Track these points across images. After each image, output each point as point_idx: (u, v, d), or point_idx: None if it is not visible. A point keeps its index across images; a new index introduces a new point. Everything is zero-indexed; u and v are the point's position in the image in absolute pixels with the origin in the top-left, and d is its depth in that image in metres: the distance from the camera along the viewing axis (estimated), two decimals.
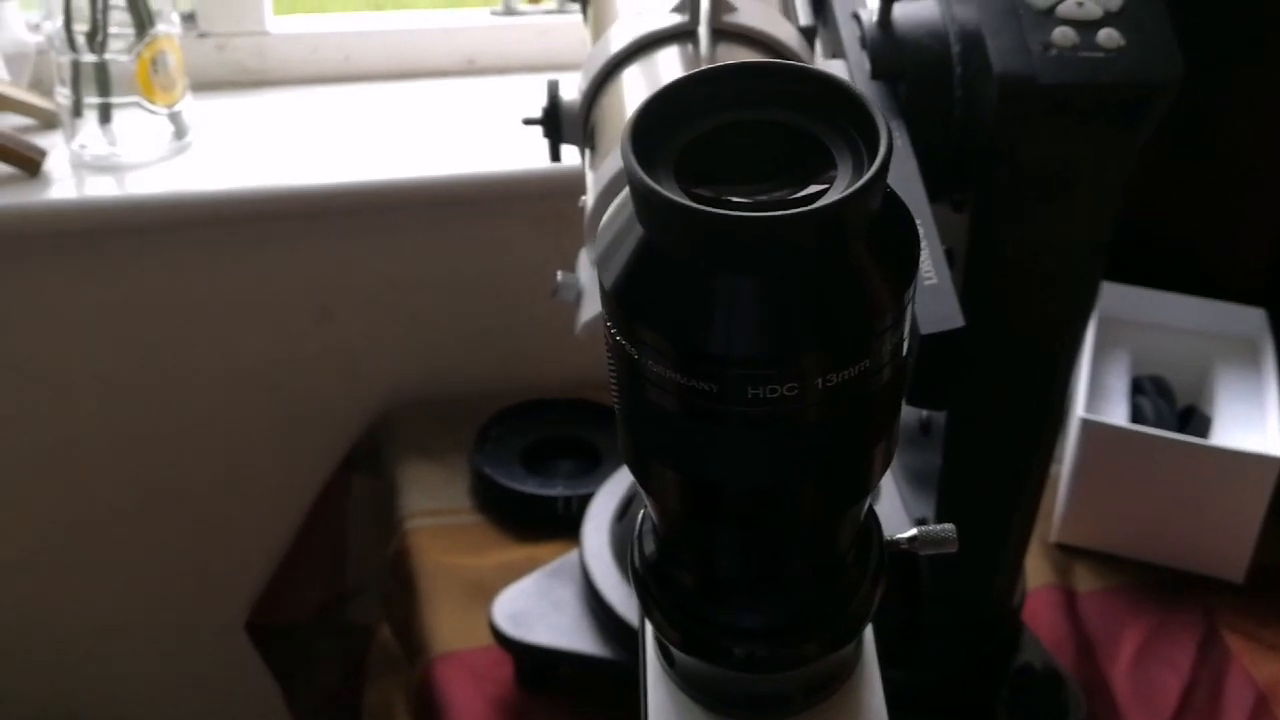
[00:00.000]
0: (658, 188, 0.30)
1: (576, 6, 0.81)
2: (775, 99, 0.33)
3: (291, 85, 1.29)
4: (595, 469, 1.13)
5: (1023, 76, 0.65)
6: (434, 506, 1.12)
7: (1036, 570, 1.04)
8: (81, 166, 1.13)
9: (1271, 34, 1.13)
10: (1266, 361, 1.12)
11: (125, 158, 1.14)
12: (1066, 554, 1.08)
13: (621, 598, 0.90)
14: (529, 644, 0.92)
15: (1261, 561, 1.04)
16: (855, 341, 0.31)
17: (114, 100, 1.12)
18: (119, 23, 1.10)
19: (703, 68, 0.34)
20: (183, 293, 1.19)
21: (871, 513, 0.41)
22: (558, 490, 1.10)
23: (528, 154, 1.01)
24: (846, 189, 0.30)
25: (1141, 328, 1.17)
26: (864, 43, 0.70)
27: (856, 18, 0.71)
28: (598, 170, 0.63)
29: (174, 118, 1.15)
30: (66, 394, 1.21)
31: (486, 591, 0.96)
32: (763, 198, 0.32)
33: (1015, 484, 0.82)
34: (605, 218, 0.34)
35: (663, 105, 0.33)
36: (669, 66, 0.64)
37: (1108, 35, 0.66)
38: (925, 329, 0.57)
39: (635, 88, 0.64)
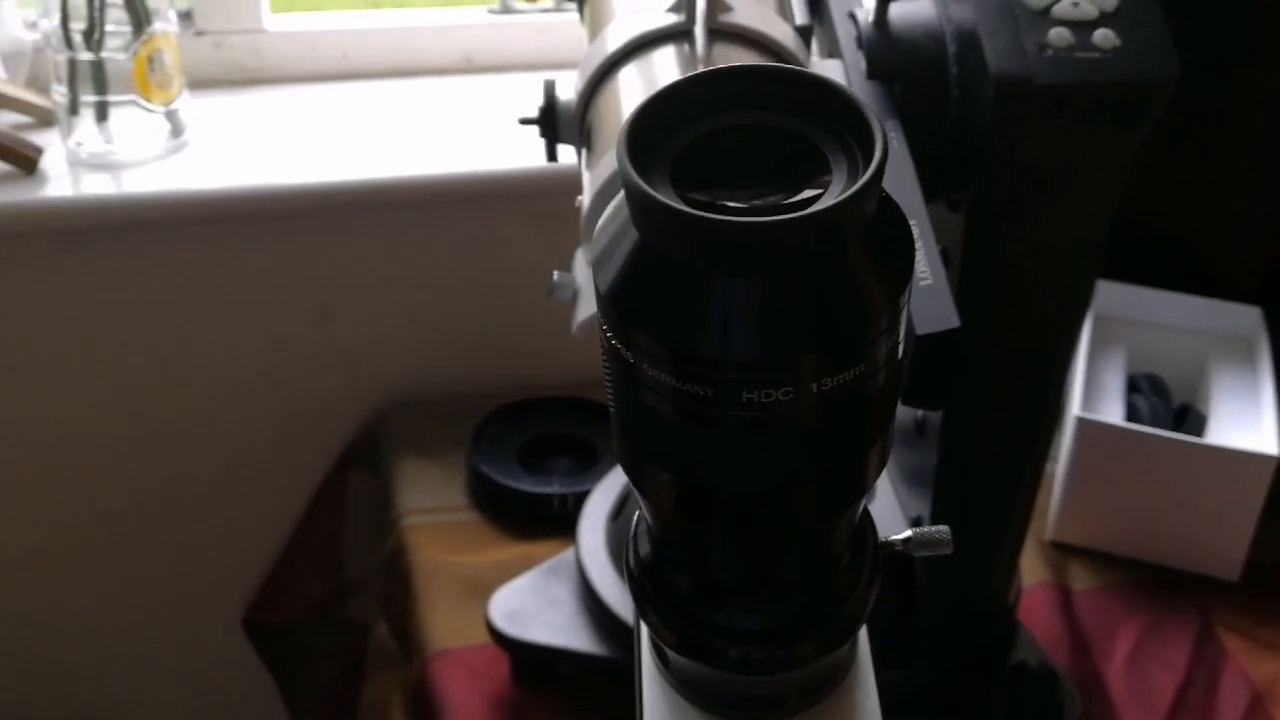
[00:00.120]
0: (653, 193, 0.30)
1: (573, 5, 0.81)
2: (771, 103, 0.33)
3: (288, 83, 1.29)
4: (591, 467, 1.13)
5: (1019, 77, 0.65)
6: (431, 504, 1.12)
7: (1032, 568, 1.04)
8: (78, 164, 1.13)
9: (1267, 33, 1.13)
10: (1262, 360, 1.12)
11: (122, 156, 1.14)
12: (1062, 552, 1.08)
13: (617, 596, 0.90)
14: (525, 642, 0.92)
15: (1257, 560, 1.04)
16: (851, 346, 0.31)
17: (111, 98, 1.12)
18: (116, 21, 1.10)
19: (698, 71, 0.34)
20: (180, 291, 1.19)
21: (866, 514, 0.41)
22: (554, 488, 1.10)
23: (525, 153, 1.01)
24: (842, 194, 0.30)
25: (1137, 326, 1.17)
26: (860, 42, 0.70)
27: (853, 17, 0.71)
28: (594, 170, 0.63)
29: (171, 116, 1.15)
30: (63, 392, 1.21)
31: (483, 589, 0.96)
32: (758, 202, 0.32)
33: (1011, 483, 0.82)
34: (601, 221, 0.34)
35: (658, 109, 0.33)
36: (665, 66, 0.64)
37: (1103, 35, 0.66)
38: (921, 329, 0.57)
39: (631, 87, 0.64)
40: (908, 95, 0.69)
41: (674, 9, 0.64)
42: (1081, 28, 0.66)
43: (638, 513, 0.41)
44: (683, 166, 0.32)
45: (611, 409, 0.36)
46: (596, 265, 0.33)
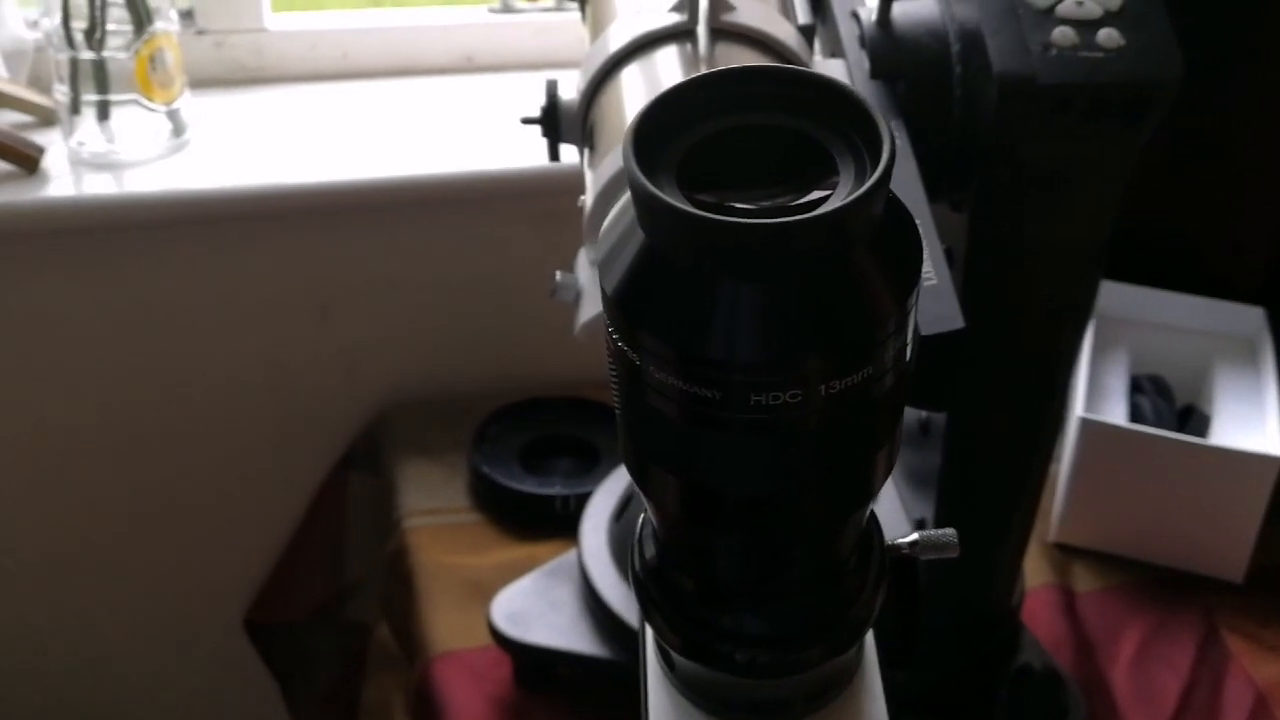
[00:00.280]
0: (660, 194, 0.30)
1: (575, 4, 0.81)
2: (777, 103, 0.33)
3: (289, 83, 1.29)
4: (594, 468, 1.13)
5: (1022, 76, 0.65)
6: (432, 505, 1.12)
7: (1035, 570, 1.03)
8: (79, 164, 1.13)
9: (1270, 33, 1.13)
10: (1266, 361, 1.12)
11: (123, 155, 1.14)
12: (1065, 554, 1.08)
13: (620, 597, 0.90)
14: (527, 644, 0.92)
15: (1261, 561, 1.04)
16: (858, 348, 0.31)
17: (112, 97, 1.12)
18: (117, 20, 1.10)
19: (704, 72, 0.33)
20: (181, 290, 1.19)
21: (873, 517, 0.40)
22: (556, 489, 1.10)
23: (526, 152, 1.01)
24: (850, 195, 0.30)
25: (1141, 327, 1.16)
26: (863, 42, 0.70)
27: (855, 16, 0.71)
28: (596, 170, 0.63)
29: (172, 115, 1.15)
30: (64, 391, 1.20)
31: (485, 591, 0.96)
32: (765, 203, 0.32)
33: (1015, 484, 0.82)
34: (607, 222, 0.34)
35: (664, 110, 0.33)
36: (668, 66, 0.64)
37: (1107, 35, 0.66)
38: (925, 330, 0.57)
39: (634, 87, 0.64)
40: (911, 95, 0.69)
41: (676, 8, 0.64)
42: (1085, 27, 0.66)
43: (643, 515, 0.40)
44: (689, 168, 0.32)
45: (617, 411, 0.36)
46: (602, 267, 0.33)
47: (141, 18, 1.10)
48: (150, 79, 1.12)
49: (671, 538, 0.39)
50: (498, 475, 1.11)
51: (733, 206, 0.32)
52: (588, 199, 0.63)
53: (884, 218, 0.31)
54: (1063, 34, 0.66)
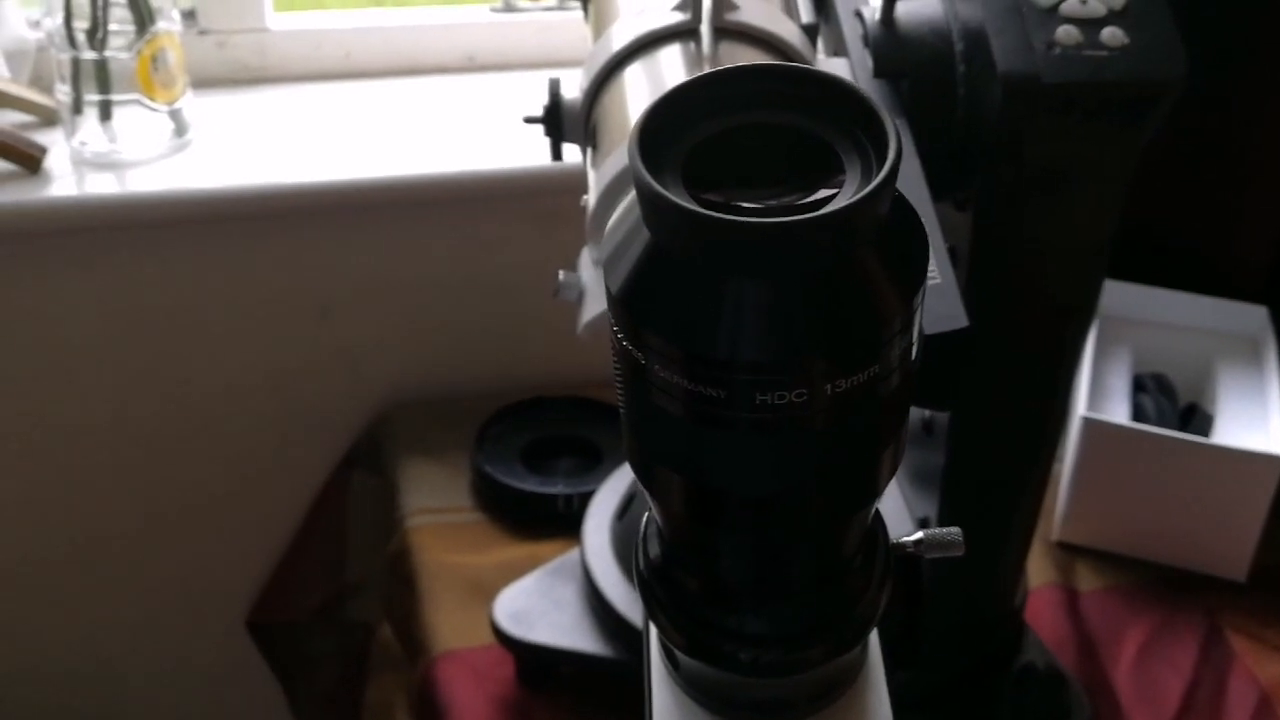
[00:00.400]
0: (666, 193, 0.30)
1: (577, 4, 0.81)
2: (783, 102, 0.33)
3: (292, 82, 1.29)
4: (596, 467, 1.13)
5: (1027, 75, 0.65)
6: (435, 505, 1.11)
7: (1038, 569, 1.03)
8: (82, 164, 1.13)
9: (1274, 32, 1.13)
10: (1268, 359, 1.12)
11: (125, 155, 1.14)
12: (1068, 553, 1.07)
13: (623, 596, 0.90)
14: (530, 643, 0.92)
15: (1264, 561, 1.04)
16: (865, 347, 0.31)
17: (114, 97, 1.12)
18: (119, 20, 1.10)
19: (709, 70, 0.33)
20: (183, 290, 1.19)
21: (878, 516, 0.40)
22: (558, 488, 1.10)
23: (528, 152, 1.01)
24: (856, 193, 0.30)
25: (1143, 326, 1.16)
26: (867, 40, 0.70)
27: (859, 15, 0.71)
28: (600, 169, 0.63)
29: (174, 115, 1.15)
30: (65, 390, 1.20)
31: (487, 590, 0.96)
32: (772, 202, 0.32)
33: (1018, 483, 0.82)
34: (611, 221, 0.34)
35: (669, 109, 0.33)
36: (671, 65, 0.64)
37: (1111, 34, 0.66)
38: (929, 329, 0.57)
39: (637, 86, 0.64)
40: (914, 93, 0.69)
41: (679, 7, 0.64)
42: (1089, 25, 0.66)
43: (647, 514, 0.40)
44: (694, 166, 0.32)
45: (622, 410, 0.35)
46: (607, 266, 0.33)
47: (144, 17, 1.10)
48: (152, 79, 1.12)
49: (676, 537, 0.39)
50: (500, 474, 1.11)
51: (739, 205, 0.32)
52: (591, 198, 0.63)
53: (890, 216, 0.31)
54: (1067, 33, 0.66)
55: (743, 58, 0.63)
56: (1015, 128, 0.67)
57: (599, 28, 0.70)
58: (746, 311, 0.30)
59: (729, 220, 0.29)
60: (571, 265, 0.73)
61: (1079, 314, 0.76)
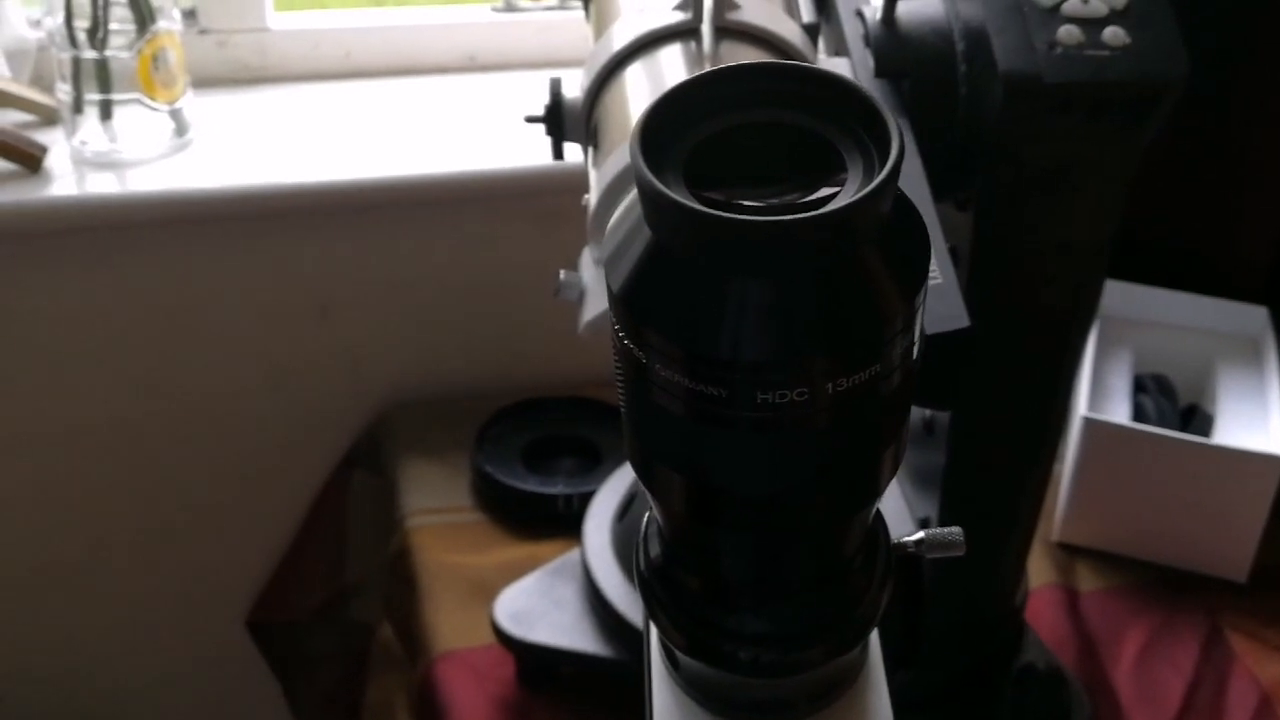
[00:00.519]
0: (668, 191, 0.30)
1: (578, 3, 0.81)
2: (785, 100, 0.33)
3: (292, 82, 1.29)
4: (596, 467, 1.13)
5: (1028, 75, 0.65)
6: (435, 505, 1.11)
7: (1038, 570, 1.03)
8: (82, 163, 1.13)
9: (1274, 32, 1.13)
10: (1269, 360, 1.11)
11: (126, 154, 1.14)
12: (1068, 553, 1.07)
13: (623, 597, 0.90)
14: (531, 643, 0.92)
15: (1264, 561, 1.04)
16: (866, 346, 0.31)
17: (115, 97, 1.12)
18: (120, 19, 1.10)
19: (711, 69, 0.33)
20: (183, 290, 1.19)
21: (879, 515, 0.40)
22: (559, 488, 1.10)
23: (529, 151, 1.01)
24: (858, 192, 0.30)
25: (1144, 326, 1.16)
26: (868, 40, 0.70)
27: (860, 15, 0.71)
28: (601, 168, 0.63)
29: (175, 114, 1.15)
30: (66, 390, 1.20)
31: (488, 590, 0.96)
32: (773, 201, 0.32)
33: (1018, 483, 0.82)
34: (613, 220, 0.34)
35: (671, 107, 0.32)
36: (672, 64, 0.64)
37: (1113, 33, 0.66)
38: (930, 329, 0.57)
39: (638, 86, 0.64)
40: (916, 93, 0.69)
41: (680, 7, 0.64)
42: (1091, 25, 0.66)
43: (648, 514, 0.40)
44: (696, 165, 0.32)
45: (623, 409, 0.35)
46: (608, 264, 0.33)
47: (144, 17, 1.10)
48: (153, 78, 1.12)
49: (677, 536, 0.39)
50: (500, 474, 1.11)
51: (740, 204, 0.32)
52: (592, 197, 0.63)
53: (892, 215, 0.31)
54: (1068, 32, 0.66)
55: (744, 57, 0.63)
56: (1016, 127, 0.67)
57: (600, 27, 0.70)
58: (748, 310, 0.30)
59: (731, 219, 0.29)
60: (572, 265, 0.73)
61: (1080, 314, 0.76)
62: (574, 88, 0.71)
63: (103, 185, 1.12)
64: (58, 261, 1.15)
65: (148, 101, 1.13)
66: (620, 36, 0.65)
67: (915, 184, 0.63)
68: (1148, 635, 1.00)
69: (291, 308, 1.22)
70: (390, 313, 1.25)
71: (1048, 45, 0.65)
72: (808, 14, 0.74)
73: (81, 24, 1.09)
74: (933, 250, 0.60)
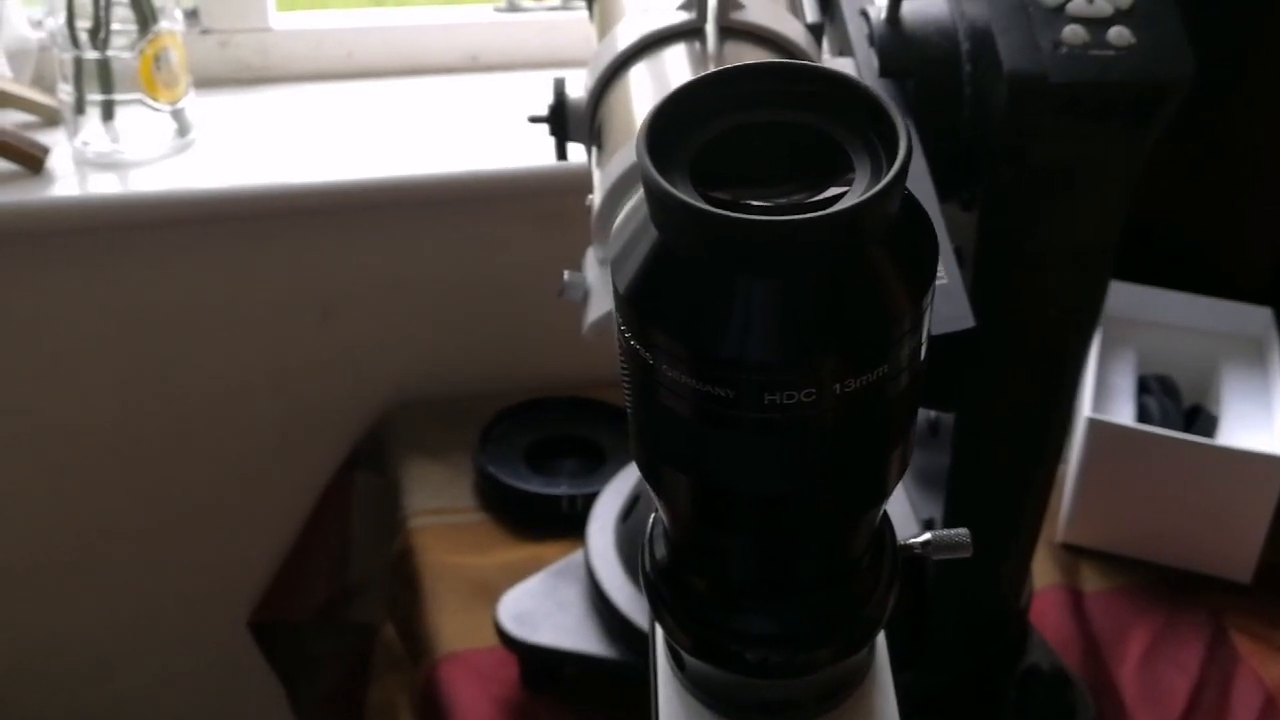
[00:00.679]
0: (674, 191, 0.30)
1: (581, 3, 0.81)
2: (791, 100, 0.33)
3: (294, 82, 1.28)
4: (599, 468, 1.13)
5: (1033, 75, 0.65)
6: (438, 505, 1.11)
7: (1043, 570, 1.03)
8: (84, 164, 1.13)
9: (1278, 32, 1.13)
10: (1273, 361, 1.11)
11: (128, 155, 1.14)
12: (1073, 554, 1.07)
13: (627, 598, 0.89)
14: (534, 644, 0.91)
15: (1269, 562, 1.04)
16: (874, 347, 0.31)
17: (117, 97, 1.12)
18: (121, 19, 1.09)
19: (717, 69, 0.33)
20: (185, 290, 1.19)
21: (885, 517, 0.40)
22: (562, 489, 1.10)
23: (532, 151, 1.01)
24: (866, 192, 0.30)
25: (1148, 327, 1.16)
26: (872, 40, 0.70)
27: (865, 15, 0.71)
28: (605, 169, 0.63)
29: (177, 115, 1.15)
30: (68, 390, 1.20)
31: (491, 591, 0.96)
32: (781, 201, 0.32)
33: (1023, 484, 0.82)
34: (619, 220, 0.33)
35: (677, 107, 0.32)
36: (676, 64, 0.63)
37: (1118, 33, 0.66)
38: (935, 329, 0.56)
39: (642, 86, 0.64)
40: (920, 93, 0.69)
41: (685, 7, 0.64)
42: (1096, 25, 0.66)
43: (653, 515, 0.40)
44: (702, 165, 0.32)
45: (629, 410, 0.35)
46: (614, 265, 0.32)
47: (146, 17, 1.09)
48: (155, 78, 1.12)
49: (683, 538, 0.39)
50: (503, 475, 1.11)
51: (747, 204, 0.32)
52: (596, 197, 0.63)
53: (900, 215, 0.31)
54: (1073, 32, 0.65)
55: (748, 57, 0.62)
56: (1021, 127, 0.67)
57: (604, 27, 0.70)
58: (755, 310, 0.30)
59: (738, 219, 0.29)
60: (576, 265, 0.73)
61: (1084, 315, 0.76)
62: (577, 88, 0.71)
63: (105, 186, 1.12)
64: (60, 262, 1.15)
65: (150, 102, 1.12)
66: (624, 36, 0.65)
67: (920, 184, 0.63)
68: (1152, 636, 1.00)
69: (294, 308, 1.22)
70: (393, 313, 1.25)
71: (1053, 45, 0.65)
72: (812, 14, 0.74)
73: (83, 24, 1.09)
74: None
